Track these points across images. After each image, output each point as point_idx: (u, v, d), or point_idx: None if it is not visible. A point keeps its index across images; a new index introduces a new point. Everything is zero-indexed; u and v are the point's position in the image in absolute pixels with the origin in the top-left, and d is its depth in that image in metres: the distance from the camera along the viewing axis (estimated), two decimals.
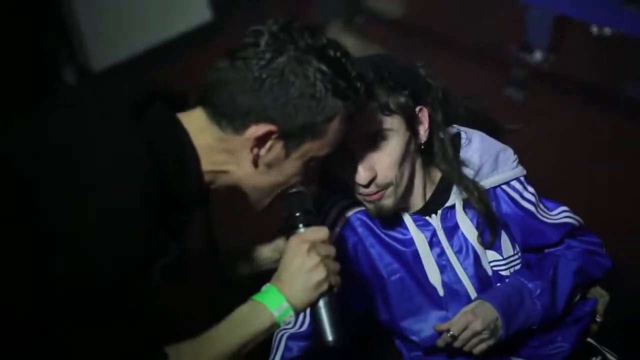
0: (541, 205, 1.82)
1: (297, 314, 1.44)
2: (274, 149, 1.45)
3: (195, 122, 1.47)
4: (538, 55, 3.85)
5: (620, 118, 3.56)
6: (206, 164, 1.47)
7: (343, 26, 4.07)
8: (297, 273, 1.43)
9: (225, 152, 1.46)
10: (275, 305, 1.42)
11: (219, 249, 1.66)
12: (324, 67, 1.42)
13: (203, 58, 1.58)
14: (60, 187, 1.33)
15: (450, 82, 1.77)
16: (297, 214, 1.50)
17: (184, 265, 1.65)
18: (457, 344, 1.67)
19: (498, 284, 1.74)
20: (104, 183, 1.34)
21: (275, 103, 1.41)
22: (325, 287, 1.44)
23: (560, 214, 1.85)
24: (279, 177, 1.49)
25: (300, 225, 1.49)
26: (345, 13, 4.11)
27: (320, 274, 1.44)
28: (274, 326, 1.43)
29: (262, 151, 1.45)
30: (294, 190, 1.52)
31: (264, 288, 1.46)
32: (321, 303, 1.45)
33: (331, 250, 1.47)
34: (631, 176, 3.17)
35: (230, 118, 1.44)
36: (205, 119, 1.46)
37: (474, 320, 1.67)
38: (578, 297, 1.84)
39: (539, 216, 1.81)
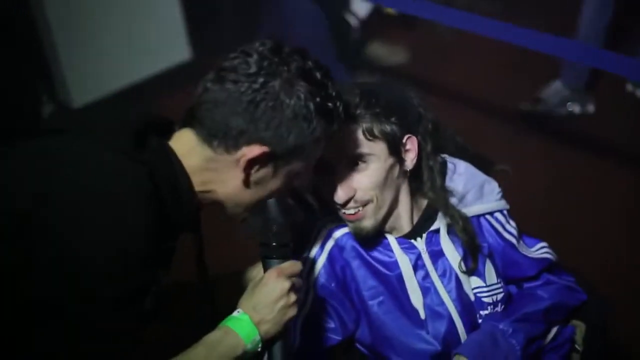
0: (521, 241, 1.87)
1: (263, 344, 1.49)
2: (263, 169, 1.49)
3: (183, 144, 1.50)
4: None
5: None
6: (195, 185, 1.50)
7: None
8: (274, 308, 1.49)
9: (212, 171, 1.50)
10: (249, 337, 1.47)
11: (209, 275, 1.67)
12: (313, 89, 1.47)
13: (181, 97, 1.60)
14: (66, 213, 1.34)
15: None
16: (274, 244, 1.55)
17: (168, 297, 1.66)
18: None
19: (471, 333, 1.76)
20: (111, 210, 1.35)
21: (269, 125, 1.45)
22: (290, 322, 1.52)
23: (539, 250, 1.91)
24: (263, 193, 1.54)
25: (274, 256, 1.55)
26: (347, 60, 4.21)
27: (293, 311, 1.51)
28: (244, 355, 1.47)
29: (253, 170, 1.48)
30: (275, 221, 1.56)
31: (237, 314, 1.49)
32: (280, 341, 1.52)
33: (300, 283, 1.55)
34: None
35: (222, 138, 1.47)
36: (194, 139, 1.49)
37: None
38: (557, 328, 1.86)
39: (520, 249, 1.85)
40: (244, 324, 1.47)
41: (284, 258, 1.56)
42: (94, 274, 1.32)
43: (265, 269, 1.56)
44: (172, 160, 1.48)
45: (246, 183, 1.50)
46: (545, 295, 1.85)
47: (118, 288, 1.34)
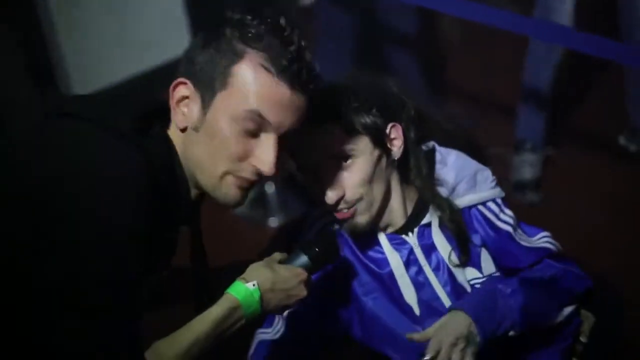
0: (519, 230, 1.81)
1: None
2: (192, 106, 1.45)
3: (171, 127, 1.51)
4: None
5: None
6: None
7: None
8: (288, 297, 1.52)
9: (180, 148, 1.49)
10: (250, 312, 1.48)
11: (207, 266, 1.66)
12: (239, 21, 1.46)
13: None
14: (62, 193, 1.33)
15: None
16: (317, 249, 1.58)
17: (168, 285, 1.65)
18: None
19: (473, 290, 1.73)
20: (106, 193, 1.34)
21: (189, 59, 1.46)
22: None
23: (540, 239, 1.83)
24: (214, 141, 1.45)
25: (307, 258, 1.57)
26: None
27: (284, 312, 1.58)
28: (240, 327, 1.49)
29: (185, 110, 1.46)
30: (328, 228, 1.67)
31: (251, 287, 1.48)
32: None
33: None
34: None
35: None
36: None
37: (444, 336, 1.62)
38: (564, 318, 1.80)
39: (516, 238, 1.78)
40: (253, 302, 1.48)
41: (314, 262, 1.57)
42: (91, 249, 1.31)
43: (292, 259, 1.57)
44: (169, 147, 1.48)
45: (183, 128, 1.47)
46: (547, 273, 1.77)
47: (117, 269, 1.33)
